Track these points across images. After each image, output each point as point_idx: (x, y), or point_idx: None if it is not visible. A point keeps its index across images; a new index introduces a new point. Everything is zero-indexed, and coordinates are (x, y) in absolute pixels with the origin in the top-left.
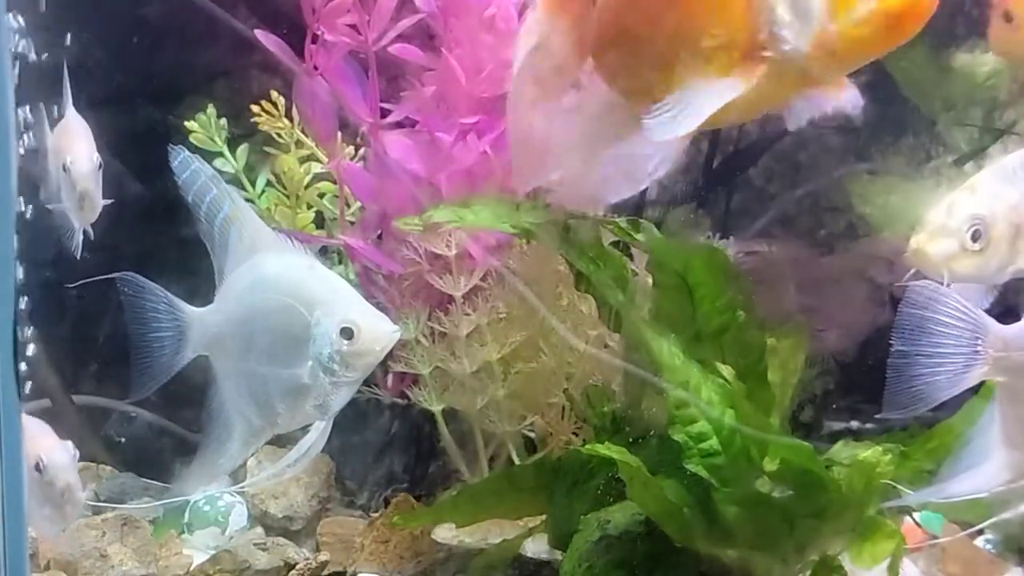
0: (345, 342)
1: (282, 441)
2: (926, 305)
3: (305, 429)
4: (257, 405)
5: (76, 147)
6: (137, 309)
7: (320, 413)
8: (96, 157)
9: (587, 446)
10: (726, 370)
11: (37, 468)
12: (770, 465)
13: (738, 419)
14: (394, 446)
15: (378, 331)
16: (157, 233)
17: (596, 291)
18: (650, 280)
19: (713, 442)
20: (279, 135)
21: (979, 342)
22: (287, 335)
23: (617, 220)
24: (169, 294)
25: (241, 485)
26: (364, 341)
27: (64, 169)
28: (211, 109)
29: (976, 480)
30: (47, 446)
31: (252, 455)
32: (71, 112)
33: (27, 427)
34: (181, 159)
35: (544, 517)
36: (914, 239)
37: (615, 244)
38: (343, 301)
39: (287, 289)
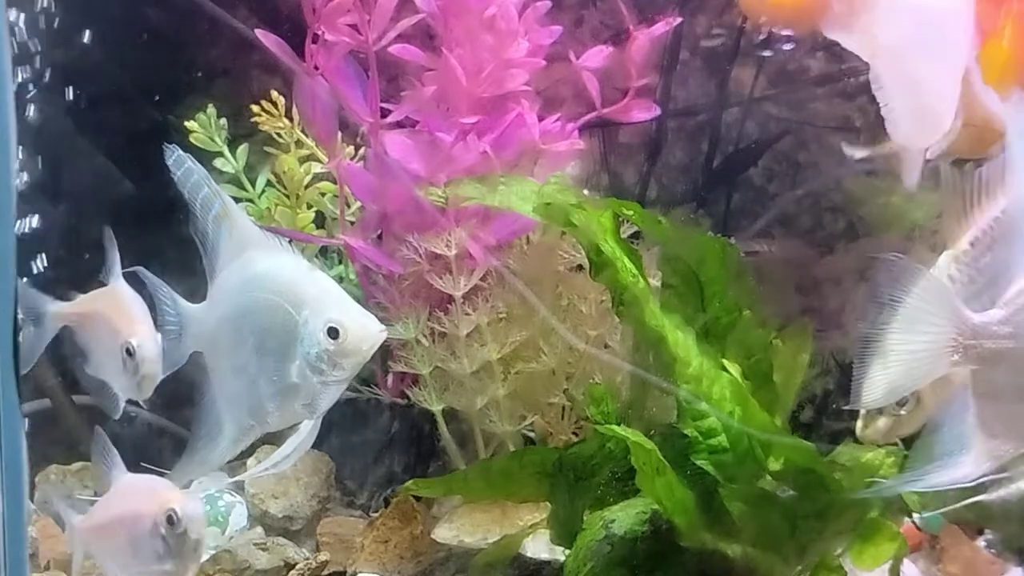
0: (332, 342)
1: (281, 440)
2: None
3: (296, 427)
4: (246, 403)
5: (140, 329)
6: None
7: (308, 412)
8: (159, 337)
9: (603, 427)
10: (733, 367)
11: (170, 521)
12: (774, 465)
13: (745, 418)
14: (394, 446)
15: (365, 331)
16: (154, 233)
17: (612, 277)
18: (654, 282)
19: (722, 439)
20: (279, 135)
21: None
22: (275, 334)
23: (635, 207)
24: (170, 290)
25: (227, 481)
26: (351, 341)
27: (129, 352)
28: (211, 109)
29: (958, 470)
30: (179, 498)
31: (252, 455)
32: (123, 286)
33: (149, 481)
34: (175, 157)
35: (546, 514)
36: (858, 429)
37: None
38: (330, 300)
39: (275, 288)
